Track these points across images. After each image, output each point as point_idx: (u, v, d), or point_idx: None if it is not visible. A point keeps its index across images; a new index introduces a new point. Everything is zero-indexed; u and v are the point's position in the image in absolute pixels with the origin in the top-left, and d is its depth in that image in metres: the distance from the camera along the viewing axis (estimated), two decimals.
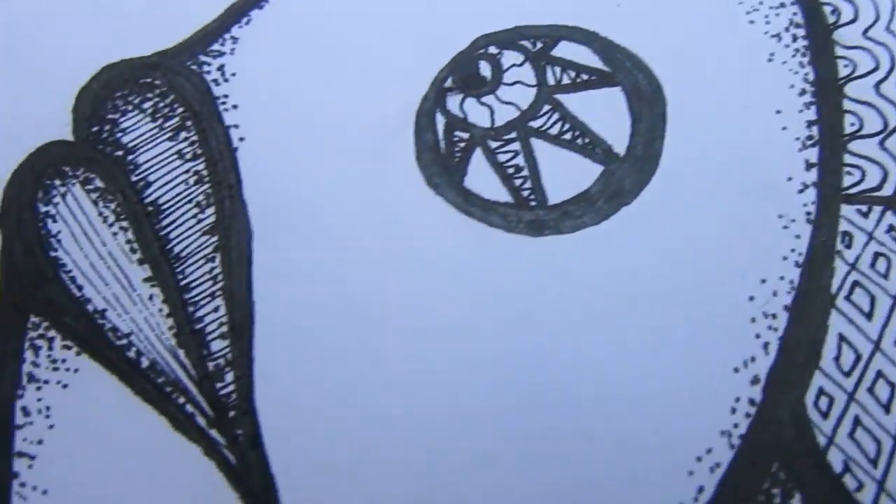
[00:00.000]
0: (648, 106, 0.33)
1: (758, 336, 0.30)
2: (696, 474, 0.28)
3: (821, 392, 0.29)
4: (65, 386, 0.29)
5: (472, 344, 0.29)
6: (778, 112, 0.33)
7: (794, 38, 0.34)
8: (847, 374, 0.29)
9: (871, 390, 0.29)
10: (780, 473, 0.28)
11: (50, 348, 0.30)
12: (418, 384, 0.29)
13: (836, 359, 0.30)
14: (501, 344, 0.30)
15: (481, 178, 0.32)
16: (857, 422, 0.29)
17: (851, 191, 0.32)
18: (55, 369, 0.29)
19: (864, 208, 0.32)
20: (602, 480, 0.28)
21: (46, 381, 0.29)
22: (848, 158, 0.32)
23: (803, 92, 0.33)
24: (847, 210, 0.32)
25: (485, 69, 0.34)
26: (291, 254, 0.31)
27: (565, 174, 0.32)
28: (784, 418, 0.29)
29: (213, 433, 0.28)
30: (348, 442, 0.28)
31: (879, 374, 0.29)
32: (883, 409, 0.29)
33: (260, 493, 0.27)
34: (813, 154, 0.32)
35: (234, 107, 0.33)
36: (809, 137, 0.32)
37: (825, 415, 0.29)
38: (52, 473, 0.28)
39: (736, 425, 0.29)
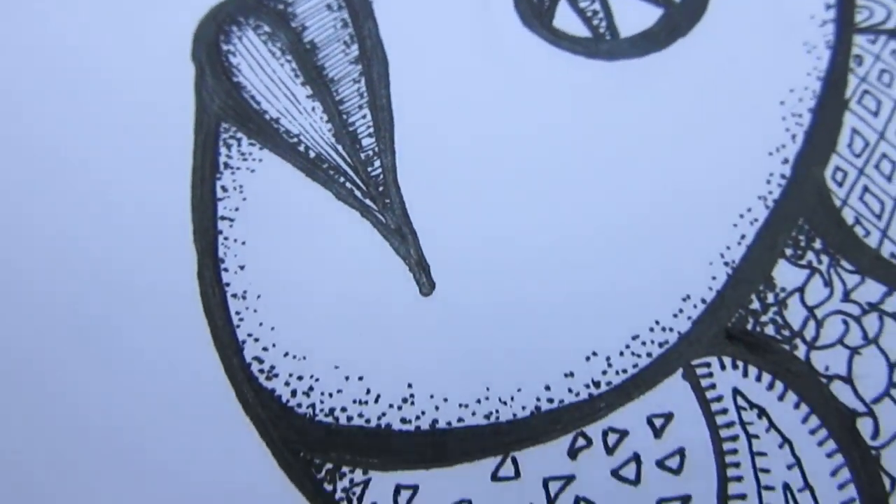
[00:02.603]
0: None
1: (787, 130, 0.39)
2: (738, 226, 0.37)
3: (837, 168, 0.38)
4: (252, 171, 0.39)
5: (564, 146, 0.39)
6: None
7: None
8: (858, 156, 0.38)
9: (877, 166, 0.38)
10: (805, 225, 0.37)
11: (239, 145, 0.39)
12: (521, 171, 0.38)
13: (850, 145, 0.38)
14: (586, 145, 0.39)
15: (566, 20, 0.41)
16: (865, 189, 0.38)
17: (862, 25, 0.41)
18: (244, 159, 0.39)
19: (872, 37, 0.40)
20: (666, 220, 0.37)
21: (238, 168, 0.39)
22: (859, 1, 0.41)
23: None
24: (859, 39, 0.40)
25: None
26: (422, 74, 0.40)
27: (633, 16, 0.41)
28: (808, 187, 0.38)
29: (367, 201, 0.38)
30: (477, 207, 0.37)
31: (883, 155, 0.38)
32: (886, 179, 0.38)
33: (407, 237, 0.37)
34: None
35: None
36: None
37: (840, 184, 0.38)
38: (246, 231, 0.37)
39: (770, 192, 0.38)
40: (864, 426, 0.33)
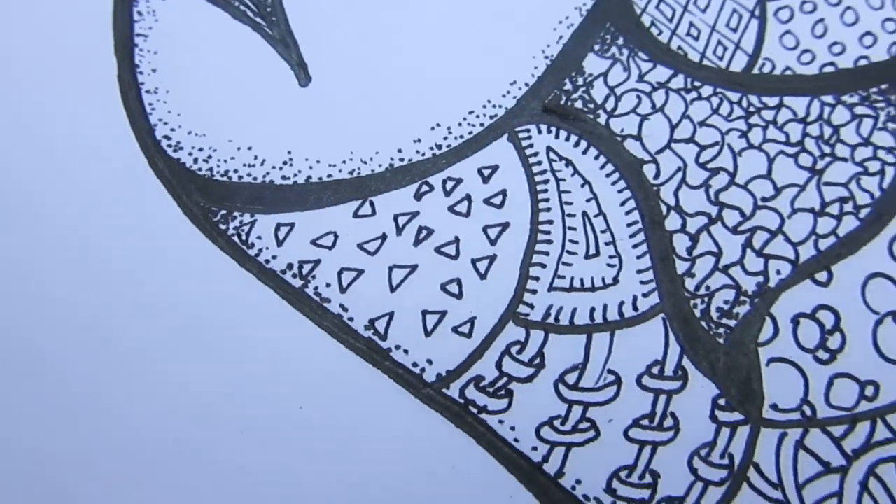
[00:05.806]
0: None
1: None
2: (557, 29, 0.46)
3: None
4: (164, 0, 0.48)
5: None
6: None
7: None
8: None
9: None
10: (611, 27, 0.47)
11: None
12: None
13: None
14: None
15: None
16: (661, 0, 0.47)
17: None
18: None
19: None
20: (499, 24, 0.46)
21: None
22: None
23: None
24: None
25: None
26: None
27: None
28: (615, 1, 0.47)
29: (258, 19, 0.47)
30: (344, 22, 0.46)
31: None
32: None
33: (290, 44, 0.46)
34: None
35: None
36: None
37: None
38: (158, 44, 0.46)
39: (584, 4, 0.47)
40: (648, 170, 0.42)
